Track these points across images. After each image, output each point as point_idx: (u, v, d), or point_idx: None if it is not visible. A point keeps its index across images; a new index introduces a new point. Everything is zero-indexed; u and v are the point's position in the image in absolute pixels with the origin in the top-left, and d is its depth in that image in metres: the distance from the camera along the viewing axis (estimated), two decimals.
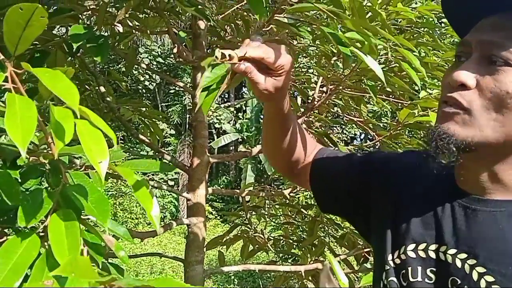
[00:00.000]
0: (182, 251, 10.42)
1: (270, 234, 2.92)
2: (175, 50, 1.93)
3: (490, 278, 0.74)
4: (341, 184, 1.04)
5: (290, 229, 2.72)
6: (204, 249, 2.06)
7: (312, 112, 2.34)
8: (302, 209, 2.37)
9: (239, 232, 2.68)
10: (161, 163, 0.93)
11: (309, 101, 2.33)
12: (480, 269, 0.75)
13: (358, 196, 1.00)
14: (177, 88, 16.55)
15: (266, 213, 2.78)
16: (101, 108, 2.36)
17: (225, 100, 19.86)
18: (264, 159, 15.12)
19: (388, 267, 0.87)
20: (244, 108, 18.42)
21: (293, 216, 2.80)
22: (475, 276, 0.75)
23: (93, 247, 0.72)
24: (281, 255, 3.17)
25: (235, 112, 18.42)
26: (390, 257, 0.87)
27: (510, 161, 0.78)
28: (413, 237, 0.85)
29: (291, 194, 2.34)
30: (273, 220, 2.85)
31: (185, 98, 16.51)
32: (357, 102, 2.29)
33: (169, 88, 17.20)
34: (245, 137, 16.56)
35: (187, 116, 16.54)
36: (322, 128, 2.49)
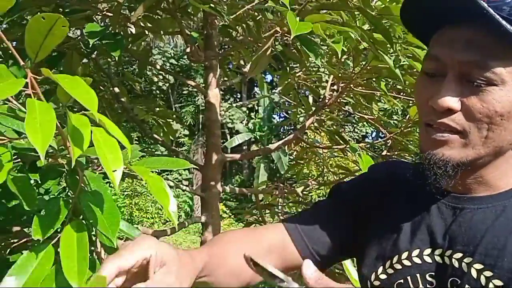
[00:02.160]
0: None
1: None
2: (188, 50, 1.96)
3: (489, 273, 0.74)
4: (335, 234, 0.97)
5: None
6: None
7: (323, 110, 2.36)
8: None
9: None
10: (177, 159, 0.94)
11: (320, 99, 2.35)
12: (478, 266, 0.75)
13: (347, 235, 0.97)
14: (190, 89, 16.60)
15: (279, 211, 2.80)
16: (115, 109, 2.40)
17: (237, 100, 19.88)
18: (277, 158, 15.13)
19: (379, 282, 0.87)
20: (256, 108, 18.42)
21: None
22: (474, 273, 0.75)
23: (109, 250, 0.75)
24: None
25: (247, 112, 18.43)
26: (380, 269, 0.87)
27: (495, 164, 0.79)
28: (405, 246, 0.85)
29: (304, 192, 2.35)
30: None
31: (198, 99, 16.55)
32: (368, 100, 2.30)
33: (182, 89, 17.25)
34: (257, 137, 16.57)
35: (200, 116, 16.59)
36: (334, 126, 2.51)
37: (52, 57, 1.59)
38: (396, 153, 2.21)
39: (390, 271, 0.85)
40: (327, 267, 1.02)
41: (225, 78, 2.56)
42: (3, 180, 0.67)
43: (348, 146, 2.16)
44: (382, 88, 1.73)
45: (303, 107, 2.62)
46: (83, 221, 0.73)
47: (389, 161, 1.12)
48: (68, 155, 0.84)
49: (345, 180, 2.49)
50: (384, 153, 2.24)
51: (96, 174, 0.90)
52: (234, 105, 15.91)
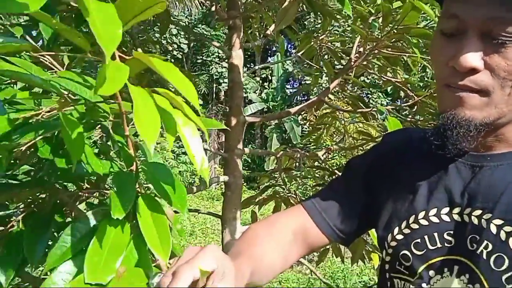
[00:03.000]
0: (206, 218, 10.66)
1: (302, 196, 2.94)
2: (213, 9, 1.93)
3: (509, 228, 0.73)
4: (353, 209, 0.98)
5: None
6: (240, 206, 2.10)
7: (347, 74, 2.32)
8: (336, 171, 2.38)
9: (272, 193, 2.71)
10: (210, 119, 0.93)
11: (343, 64, 2.31)
12: (498, 222, 0.74)
13: (364, 208, 0.97)
14: (204, 58, 16.54)
15: (298, 175, 2.80)
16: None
17: (249, 67, 19.77)
18: (290, 128, 15.12)
19: (395, 243, 0.86)
20: (269, 78, 18.33)
21: (326, 179, 2.81)
22: (493, 229, 0.74)
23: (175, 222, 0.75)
24: None
25: (260, 81, 18.36)
26: (396, 230, 0.86)
27: None
28: (421, 205, 0.84)
29: (324, 156, 2.34)
30: (306, 182, 2.87)
31: (212, 68, 16.50)
32: (393, 63, 2.26)
33: (196, 58, 17.20)
34: (270, 107, 16.55)
35: (214, 85, 16.57)
36: (360, 90, 2.47)
37: (77, 15, 1.57)
38: (421, 118, 2.18)
39: (407, 231, 0.85)
40: (350, 242, 1.02)
41: (247, 42, 2.53)
42: (80, 155, 0.67)
43: (372, 110, 2.14)
44: (415, 46, 1.69)
45: (321, 72, 2.60)
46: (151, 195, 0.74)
47: (404, 128, 1.11)
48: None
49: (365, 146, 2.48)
50: (409, 118, 2.21)
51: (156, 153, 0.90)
52: (246, 73, 15.82)
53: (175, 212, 0.81)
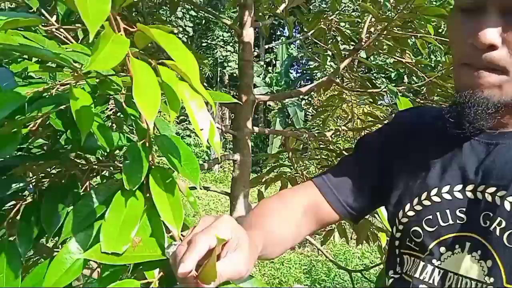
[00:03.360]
0: (214, 196, 10.74)
1: (309, 176, 2.94)
2: None
3: None
4: (364, 185, 0.98)
5: None
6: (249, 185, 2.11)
7: (357, 55, 2.31)
8: (344, 151, 2.38)
9: (278, 173, 2.72)
10: (220, 93, 0.93)
11: (353, 45, 2.30)
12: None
13: (375, 183, 0.97)
14: (209, 42, 16.46)
15: (305, 156, 2.81)
16: (148, 48, 2.39)
17: (255, 53, 19.67)
18: (293, 112, 15.08)
19: (406, 219, 0.86)
20: (274, 62, 18.25)
21: (332, 160, 2.82)
22: (507, 206, 0.74)
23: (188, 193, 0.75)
24: None
25: (264, 66, 18.28)
26: (408, 207, 0.86)
27: None
28: (434, 182, 0.84)
29: (333, 136, 2.35)
30: (312, 164, 2.88)
31: (217, 52, 16.43)
32: (402, 44, 2.24)
33: (201, 41, 17.12)
34: (274, 91, 16.49)
35: (218, 69, 16.51)
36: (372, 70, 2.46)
37: None
38: (431, 99, 2.17)
39: (418, 207, 0.85)
40: (359, 219, 1.03)
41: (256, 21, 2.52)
42: (89, 129, 0.67)
43: (383, 89, 2.14)
44: (428, 22, 1.68)
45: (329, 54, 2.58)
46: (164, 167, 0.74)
47: (417, 106, 1.11)
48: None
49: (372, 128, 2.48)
50: (418, 100, 2.21)
51: (163, 120, 0.91)
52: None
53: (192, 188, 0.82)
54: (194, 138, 14.63)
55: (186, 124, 14.55)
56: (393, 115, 1.09)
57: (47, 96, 0.77)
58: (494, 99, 0.74)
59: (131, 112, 0.87)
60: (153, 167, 0.72)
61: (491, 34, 0.70)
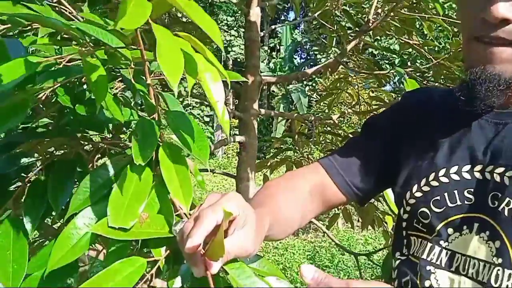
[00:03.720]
0: (218, 182, 10.78)
1: (314, 160, 2.94)
2: None
3: None
4: (371, 166, 0.97)
5: None
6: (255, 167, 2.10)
7: (363, 37, 2.29)
8: (350, 135, 2.37)
9: (283, 156, 2.72)
10: (228, 71, 0.93)
11: (359, 27, 2.27)
12: None
13: (382, 165, 0.96)
14: None
15: (311, 141, 2.80)
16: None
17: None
18: (297, 99, 15.06)
19: (414, 200, 0.86)
20: (278, 47, 18.18)
21: (337, 144, 2.81)
22: None
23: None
24: None
25: (269, 51, 18.20)
26: (415, 187, 0.85)
27: None
28: (442, 163, 0.83)
29: (340, 119, 2.33)
30: (316, 146, 2.87)
31: (221, 36, 16.34)
32: (409, 26, 2.22)
33: None
34: None
35: (223, 54, 16.44)
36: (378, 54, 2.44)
37: None
38: (438, 82, 2.15)
39: (426, 188, 0.84)
40: (366, 201, 1.02)
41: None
42: (104, 98, 0.66)
43: (390, 71, 2.12)
44: (437, 7, 1.65)
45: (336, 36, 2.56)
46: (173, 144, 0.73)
47: (424, 87, 1.09)
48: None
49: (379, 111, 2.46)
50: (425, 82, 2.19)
51: (173, 97, 0.89)
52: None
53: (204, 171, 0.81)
54: (198, 123, 14.63)
55: (190, 109, 14.55)
56: (400, 96, 1.08)
57: (55, 68, 0.76)
58: (506, 75, 0.73)
59: (139, 88, 0.86)
60: (161, 143, 0.71)
61: (504, 8, 0.69)
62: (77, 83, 0.92)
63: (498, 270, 0.73)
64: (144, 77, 0.72)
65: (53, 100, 1.00)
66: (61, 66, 0.75)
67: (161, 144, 0.70)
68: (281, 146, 2.88)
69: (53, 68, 0.76)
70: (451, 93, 0.85)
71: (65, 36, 0.87)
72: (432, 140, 0.87)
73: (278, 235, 0.89)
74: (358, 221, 2.45)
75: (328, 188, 0.97)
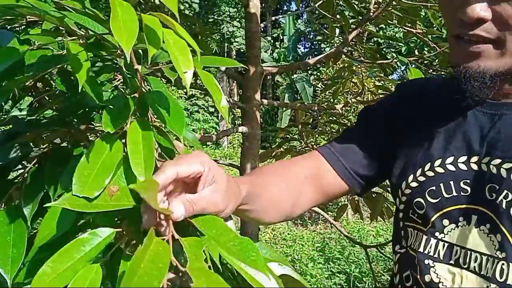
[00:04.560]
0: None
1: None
2: None
3: None
4: (369, 152, 0.97)
5: None
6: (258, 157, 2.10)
7: (365, 27, 2.28)
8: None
9: (288, 146, 2.72)
10: (226, 58, 0.93)
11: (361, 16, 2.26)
12: None
13: (380, 152, 0.96)
14: (215, 17, 16.33)
15: (315, 131, 2.80)
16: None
17: (261, 28, 19.50)
18: (301, 88, 15.00)
19: (410, 190, 0.86)
20: (281, 37, 18.09)
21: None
22: None
23: (165, 150, 0.74)
24: None
25: (272, 41, 18.13)
26: (411, 178, 0.86)
27: None
28: (438, 153, 0.83)
29: (344, 109, 2.33)
30: (322, 137, 2.87)
31: (223, 27, 16.30)
32: (413, 14, 2.20)
33: (207, 17, 16.98)
34: None
35: (225, 45, 16.41)
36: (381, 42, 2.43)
37: None
38: (444, 71, 2.14)
39: (422, 178, 0.84)
40: (366, 189, 1.01)
41: None
42: (84, 80, 0.66)
43: (393, 60, 2.11)
44: None
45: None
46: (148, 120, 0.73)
47: (420, 78, 1.10)
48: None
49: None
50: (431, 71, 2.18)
51: (157, 78, 0.90)
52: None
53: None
54: (203, 114, 14.68)
55: (195, 100, 14.56)
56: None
57: (47, 57, 0.78)
58: (491, 71, 0.74)
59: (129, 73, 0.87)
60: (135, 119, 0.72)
61: (479, 9, 0.70)
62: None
63: (503, 264, 0.73)
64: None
65: (57, 92, 1.01)
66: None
67: (134, 119, 0.71)
68: (287, 136, 2.88)
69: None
70: (446, 82, 0.85)
71: (61, 28, 0.88)
72: (428, 130, 0.87)
73: (264, 214, 0.88)
74: (368, 212, 2.43)
75: (326, 175, 0.96)
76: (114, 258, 0.60)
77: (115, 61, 0.91)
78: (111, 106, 0.69)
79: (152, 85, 0.86)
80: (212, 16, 16.53)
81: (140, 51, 0.82)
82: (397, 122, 0.93)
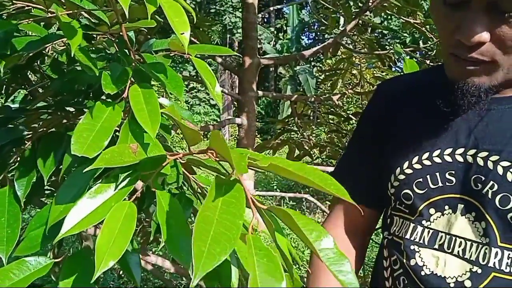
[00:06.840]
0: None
1: (316, 142, 2.93)
2: None
3: None
4: (370, 171, 0.98)
5: (336, 137, 2.73)
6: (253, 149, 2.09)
7: (363, 16, 2.25)
8: (351, 116, 2.35)
9: (285, 137, 2.71)
10: (220, 47, 0.92)
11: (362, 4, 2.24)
12: (505, 163, 0.76)
13: (378, 158, 0.96)
14: (217, 8, 16.27)
15: (313, 122, 2.79)
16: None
17: (265, 20, 19.41)
18: (304, 80, 14.97)
19: (398, 183, 0.87)
20: (284, 28, 18.04)
21: (340, 125, 2.80)
22: (500, 170, 0.76)
23: (161, 126, 0.75)
24: (326, 160, 3.20)
25: (275, 32, 18.08)
26: (398, 171, 0.87)
27: None
28: (425, 147, 0.85)
29: (341, 100, 2.31)
30: (320, 128, 2.86)
31: (225, 18, 16.26)
32: (413, 5, 2.18)
33: (209, 7, 16.94)
34: None
35: (228, 36, 16.36)
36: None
37: None
38: (441, 61, 2.12)
39: (409, 171, 0.86)
40: (382, 206, 1.01)
41: None
42: (77, 44, 0.68)
43: (389, 52, 2.09)
44: None
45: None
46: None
47: (403, 74, 1.09)
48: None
49: None
50: (428, 62, 2.16)
51: (150, 55, 0.90)
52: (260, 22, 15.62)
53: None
54: (204, 107, 14.68)
55: (195, 92, 14.55)
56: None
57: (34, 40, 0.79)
58: (485, 86, 0.75)
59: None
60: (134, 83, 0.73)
61: (479, 31, 0.70)
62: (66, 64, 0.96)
63: (486, 248, 0.78)
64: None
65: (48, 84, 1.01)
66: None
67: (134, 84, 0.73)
68: (284, 127, 2.87)
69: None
70: (432, 77, 0.87)
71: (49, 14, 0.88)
72: (414, 125, 0.89)
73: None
74: None
75: (357, 218, 1.00)
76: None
77: (107, 50, 0.91)
78: (109, 72, 0.71)
79: (146, 60, 0.87)
80: (214, 6, 16.48)
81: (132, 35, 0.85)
82: (383, 125, 0.95)
